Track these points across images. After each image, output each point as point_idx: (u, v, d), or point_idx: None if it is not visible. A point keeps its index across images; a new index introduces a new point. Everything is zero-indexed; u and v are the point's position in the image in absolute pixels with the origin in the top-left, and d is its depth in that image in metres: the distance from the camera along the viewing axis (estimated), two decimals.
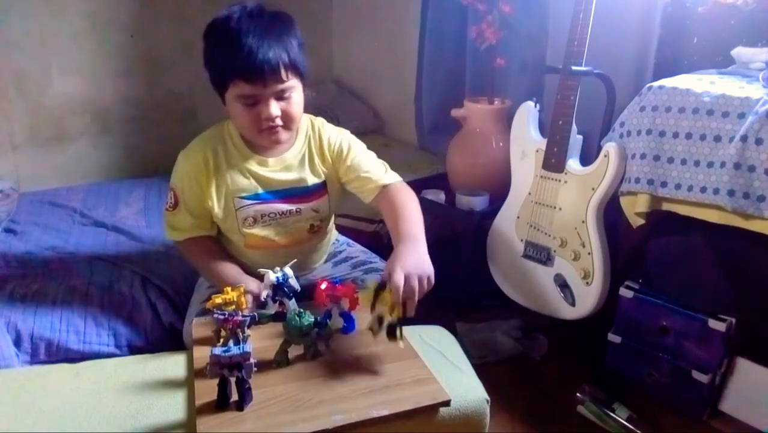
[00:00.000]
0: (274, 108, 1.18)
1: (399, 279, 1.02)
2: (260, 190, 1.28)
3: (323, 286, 1.14)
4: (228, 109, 1.23)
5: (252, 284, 1.24)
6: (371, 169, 1.33)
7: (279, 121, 1.20)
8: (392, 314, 1.04)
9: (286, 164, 1.29)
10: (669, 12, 1.59)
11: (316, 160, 1.32)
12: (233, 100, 1.19)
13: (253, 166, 1.27)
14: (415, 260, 1.09)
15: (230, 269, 1.30)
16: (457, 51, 2.18)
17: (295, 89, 1.21)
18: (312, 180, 1.31)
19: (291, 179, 1.29)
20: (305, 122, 1.33)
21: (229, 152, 1.27)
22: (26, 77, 2.14)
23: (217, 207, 1.27)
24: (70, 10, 2.16)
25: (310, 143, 1.32)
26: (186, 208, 1.28)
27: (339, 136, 1.34)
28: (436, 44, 2.24)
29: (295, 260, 1.30)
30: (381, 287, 1.05)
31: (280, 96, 1.18)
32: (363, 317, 1.12)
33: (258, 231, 1.30)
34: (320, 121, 1.36)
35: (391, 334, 1.06)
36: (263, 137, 1.22)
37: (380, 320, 1.06)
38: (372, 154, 1.38)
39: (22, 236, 1.72)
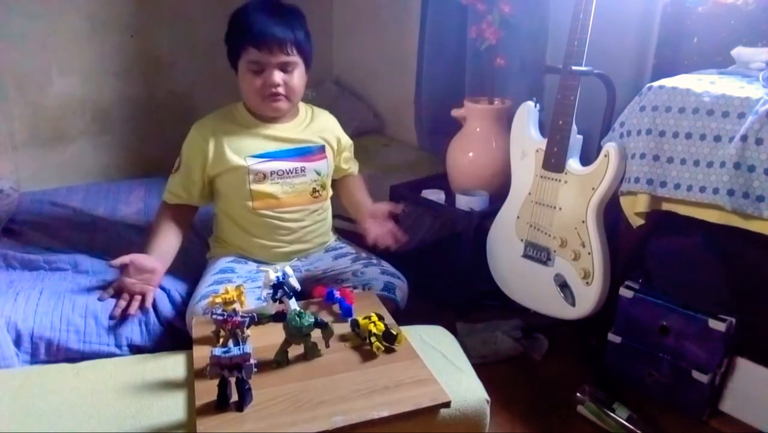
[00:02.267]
0: (277, 76, 1.37)
1: (379, 206, 1.49)
2: (270, 149, 1.45)
3: (320, 290, 1.23)
4: (239, 80, 1.42)
5: (148, 262, 1.37)
6: (350, 158, 1.66)
7: (281, 90, 1.39)
8: (376, 328, 1.11)
9: (289, 129, 1.49)
10: (669, 12, 1.59)
11: (317, 129, 1.52)
12: (244, 69, 1.39)
13: (262, 130, 1.46)
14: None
15: (159, 243, 1.42)
16: (457, 51, 2.18)
17: (298, 67, 1.41)
18: (314, 142, 1.51)
19: (296, 138, 1.48)
20: (303, 105, 1.54)
21: (238, 123, 1.46)
22: (26, 77, 2.14)
23: (227, 166, 1.42)
24: (70, 10, 2.16)
25: (312, 119, 1.53)
26: (183, 172, 1.45)
27: (337, 125, 1.60)
28: (436, 44, 2.23)
29: (295, 259, 1.32)
30: (354, 323, 1.14)
31: (284, 68, 1.38)
32: (359, 308, 1.20)
33: (266, 188, 1.44)
34: (319, 109, 1.59)
35: (387, 340, 1.11)
36: (266, 104, 1.41)
37: (370, 336, 1.11)
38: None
39: (22, 236, 1.72)
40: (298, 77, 1.41)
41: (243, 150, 1.43)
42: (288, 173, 1.46)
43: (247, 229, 1.48)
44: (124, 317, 1.32)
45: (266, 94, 1.39)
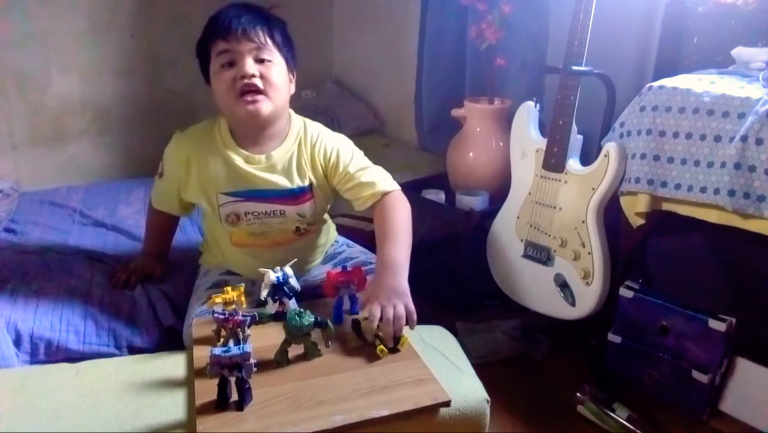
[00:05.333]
0: (250, 65, 1.18)
1: (375, 311, 1.07)
2: (244, 188, 1.27)
3: (333, 273, 1.19)
4: (214, 89, 1.24)
5: (141, 264, 1.47)
6: (366, 178, 1.30)
7: (258, 83, 1.18)
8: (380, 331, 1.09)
9: (272, 163, 1.28)
10: (669, 12, 1.59)
11: (305, 164, 1.30)
12: (216, 71, 1.21)
13: (239, 162, 1.26)
14: (391, 289, 1.10)
15: (153, 246, 1.51)
16: (457, 51, 2.18)
17: (276, 61, 1.22)
18: (297, 183, 1.29)
19: (275, 180, 1.28)
20: (298, 123, 1.33)
21: (216, 146, 1.27)
22: (26, 77, 2.14)
23: (198, 200, 1.31)
24: (70, 10, 2.16)
25: (300, 146, 1.30)
26: (165, 182, 1.36)
27: (335, 145, 1.32)
28: (436, 44, 2.24)
29: (295, 259, 1.31)
30: (356, 323, 1.11)
31: (259, 59, 1.19)
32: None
33: (242, 228, 1.30)
34: (317, 127, 1.34)
35: (389, 348, 1.10)
36: (241, 105, 1.19)
37: (377, 338, 1.10)
38: (368, 162, 1.35)
39: (22, 236, 1.72)
40: (278, 74, 1.22)
41: (215, 185, 1.27)
42: (265, 215, 1.29)
43: (229, 258, 1.39)
44: (122, 285, 1.43)
45: (240, 89, 1.18)
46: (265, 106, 1.20)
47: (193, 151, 1.28)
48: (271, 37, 1.21)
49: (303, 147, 1.30)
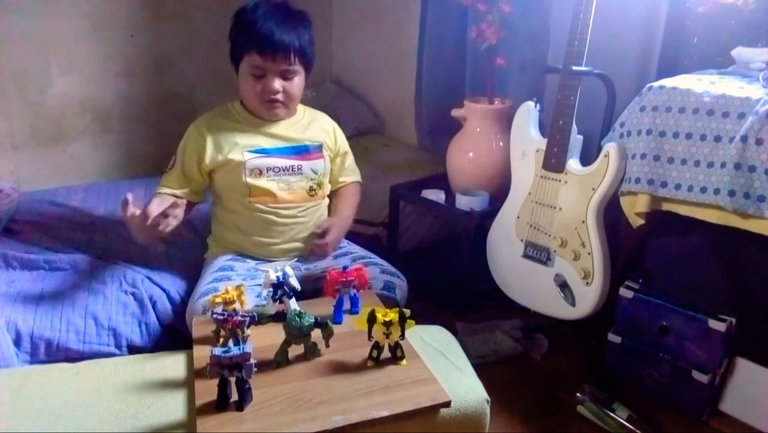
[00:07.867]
0: (277, 84, 1.40)
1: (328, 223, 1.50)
2: (266, 146, 1.47)
3: (334, 273, 1.21)
4: (239, 80, 1.45)
5: (155, 202, 1.34)
6: (349, 162, 1.66)
7: (280, 97, 1.42)
8: (389, 339, 1.07)
9: (285, 129, 1.50)
10: (669, 12, 1.59)
11: (314, 129, 1.54)
12: (245, 72, 1.41)
13: (259, 127, 1.48)
14: (340, 227, 1.53)
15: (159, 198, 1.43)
16: (457, 51, 2.18)
17: (299, 74, 1.44)
18: (311, 141, 1.52)
19: (293, 137, 1.50)
20: (301, 107, 1.56)
21: (235, 120, 1.48)
22: (26, 77, 2.14)
23: (224, 158, 1.43)
24: (70, 10, 2.16)
25: (309, 119, 1.55)
26: (180, 169, 1.46)
27: (333, 125, 1.61)
28: (436, 44, 2.24)
29: (295, 259, 1.32)
30: (373, 315, 1.07)
31: (285, 75, 1.41)
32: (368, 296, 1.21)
33: (263, 183, 1.45)
34: (315, 110, 1.61)
35: (394, 356, 1.09)
36: (264, 108, 1.45)
37: (377, 348, 1.08)
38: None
39: (22, 236, 1.72)
40: (298, 84, 1.44)
41: (240, 145, 1.44)
42: (284, 170, 1.47)
43: (243, 225, 1.48)
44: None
45: (265, 99, 1.42)
46: (282, 112, 1.47)
47: (213, 125, 1.46)
48: (300, 54, 1.40)
49: (313, 120, 1.56)
